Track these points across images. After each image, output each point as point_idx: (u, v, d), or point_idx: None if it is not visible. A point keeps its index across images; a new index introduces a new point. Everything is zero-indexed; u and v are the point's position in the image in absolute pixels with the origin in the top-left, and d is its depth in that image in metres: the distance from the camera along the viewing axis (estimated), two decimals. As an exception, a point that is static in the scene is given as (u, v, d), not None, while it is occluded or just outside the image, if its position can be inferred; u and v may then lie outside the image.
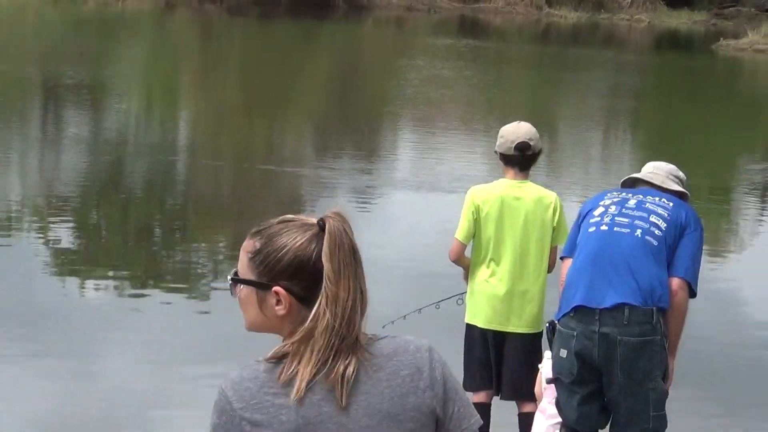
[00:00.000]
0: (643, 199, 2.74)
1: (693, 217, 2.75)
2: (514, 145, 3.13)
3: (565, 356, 2.65)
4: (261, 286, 1.09)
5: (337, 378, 1.07)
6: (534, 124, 3.32)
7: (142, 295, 5.63)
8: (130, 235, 7.36)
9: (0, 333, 4.64)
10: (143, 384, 4.19)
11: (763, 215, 9.59)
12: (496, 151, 3.24)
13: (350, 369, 1.08)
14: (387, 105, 14.74)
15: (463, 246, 3.23)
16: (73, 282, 5.81)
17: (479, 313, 3.18)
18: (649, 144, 13.55)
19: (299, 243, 1.08)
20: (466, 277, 3.31)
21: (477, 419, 1.13)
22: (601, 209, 2.74)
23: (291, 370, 1.07)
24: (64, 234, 6.90)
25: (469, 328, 3.22)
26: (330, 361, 1.06)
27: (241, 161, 10.00)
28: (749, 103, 18.58)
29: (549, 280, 3.22)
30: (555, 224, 3.15)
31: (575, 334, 2.61)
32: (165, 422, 3.89)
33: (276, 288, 1.06)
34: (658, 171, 2.90)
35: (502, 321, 3.15)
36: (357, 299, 1.06)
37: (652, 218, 2.67)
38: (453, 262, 3.34)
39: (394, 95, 15.62)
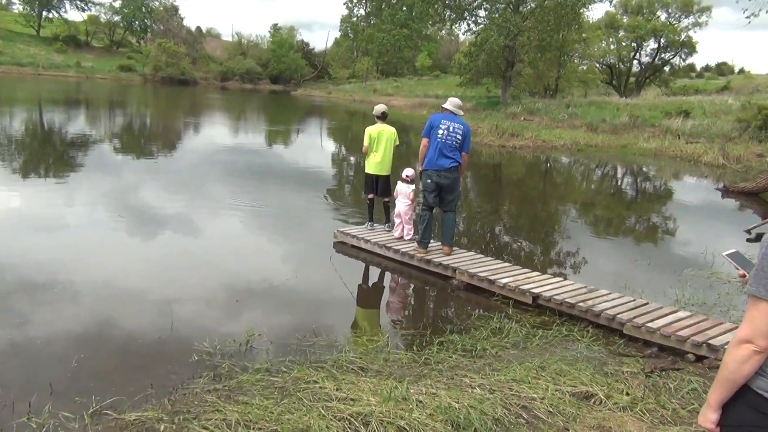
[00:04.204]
0: (453, 124, 6.33)
1: (468, 128, 6.39)
2: (380, 112, 7.78)
3: (429, 182, 6.94)
4: None
5: None
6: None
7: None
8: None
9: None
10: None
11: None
12: (373, 115, 7.85)
13: None
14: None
15: (366, 146, 7.81)
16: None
17: (370, 168, 8.04)
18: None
19: None
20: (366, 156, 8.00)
21: None
22: (441, 129, 6.66)
23: None
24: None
25: (367, 174, 8.08)
26: None
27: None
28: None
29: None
30: (395, 138, 7.88)
31: (434, 175, 6.73)
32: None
33: None
34: (455, 105, 6.48)
35: (378, 171, 7.92)
36: None
37: (457, 133, 6.25)
38: (363, 152, 7.81)
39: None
